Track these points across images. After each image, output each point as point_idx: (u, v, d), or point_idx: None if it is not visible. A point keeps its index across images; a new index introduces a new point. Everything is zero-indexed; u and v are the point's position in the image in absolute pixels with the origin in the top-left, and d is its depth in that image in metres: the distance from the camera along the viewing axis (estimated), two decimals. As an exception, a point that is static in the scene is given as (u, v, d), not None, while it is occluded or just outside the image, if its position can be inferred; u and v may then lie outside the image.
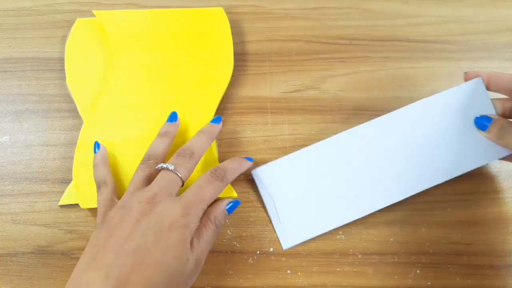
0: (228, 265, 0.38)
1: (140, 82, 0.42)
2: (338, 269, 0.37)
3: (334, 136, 0.38)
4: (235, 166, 0.37)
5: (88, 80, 0.42)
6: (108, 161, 0.38)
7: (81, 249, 0.37)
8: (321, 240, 0.38)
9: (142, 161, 0.36)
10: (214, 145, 0.40)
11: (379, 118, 0.38)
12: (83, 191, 0.38)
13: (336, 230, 0.38)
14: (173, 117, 0.39)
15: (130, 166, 0.39)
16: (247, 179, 0.40)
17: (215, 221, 0.34)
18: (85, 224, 0.38)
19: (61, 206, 0.38)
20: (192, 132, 0.40)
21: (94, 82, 0.42)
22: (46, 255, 0.37)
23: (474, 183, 0.39)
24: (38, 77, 0.43)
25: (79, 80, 0.42)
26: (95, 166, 0.37)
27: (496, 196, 0.41)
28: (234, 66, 0.43)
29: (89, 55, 0.43)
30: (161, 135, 0.38)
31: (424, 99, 0.39)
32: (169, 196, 0.32)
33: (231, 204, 0.36)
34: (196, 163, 0.36)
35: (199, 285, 0.37)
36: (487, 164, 0.42)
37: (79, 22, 0.44)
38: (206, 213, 0.34)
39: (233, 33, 0.44)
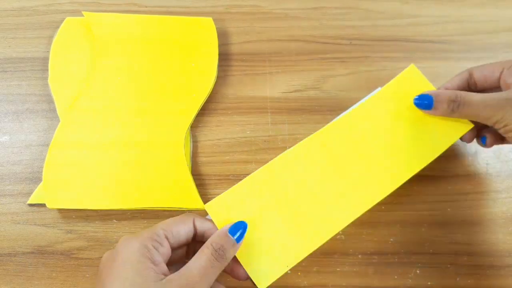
0: (228, 265, 0.37)
1: (121, 86, 0.42)
2: (338, 269, 0.37)
3: (281, 155, 0.35)
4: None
5: (69, 80, 0.42)
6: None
7: (81, 249, 0.37)
8: (321, 240, 0.38)
9: None
10: (187, 142, 0.40)
11: (321, 129, 0.36)
12: (51, 191, 0.37)
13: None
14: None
15: (102, 170, 0.38)
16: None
17: (214, 245, 0.29)
18: (85, 224, 0.38)
19: (30, 205, 0.38)
20: (167, 140, 0.40)
21: (76, 82, 0.42)
22: (46, 255, 0.37)
23: (474, 183, 0.39)
24: (38, 77, 0.43)
25: (61, 79, 0.42)
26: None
27: (496, 196, 0.41)
28: (235, 66, 0.43)
29: (74, 55, 0.43)
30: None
31: (363, 100, 0.38)
32: None
33: (233, 226, 0.31)
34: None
35: (199, 285, 0.37)
36: (486, 165, 0.42)
37: (68, 21, 0.44)
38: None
39: (233, 33, 0.44)
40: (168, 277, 0.27)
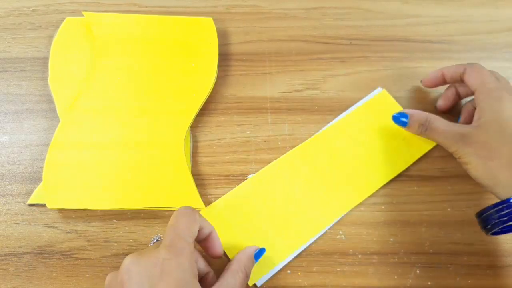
0: (228, 265, 0.37)
1: (121, 86, 0.42)
2: (338, 269, 0.37)
3: (268, 166, 0.40)
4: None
5: (69, 80, 0.42)
6: None
7: (81, 249, 0.37)
8: (321, 240, 0.38)
9: None
10: (187, 142, 0.40)
11: (302, 144, 0.41)
12: (51, 191, 0.37)
13: (336, 230, 0.38)
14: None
15: (102, 170, 0.38)
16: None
17: (246, 269, 0.32)
18: (85, 224, 0.38)
19: (30, 205, 0.38)
20: (167, 140, 0.40)
21: (76, 82, 0.42)
22: (46, 255, 0.37)
23: (474, 183, 0.39)
24: (38, 77, 0.43)
25: (61, 79, 0.42)
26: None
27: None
28: (235, 66, 0.43)
29: (74, 55, 0.43)
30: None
31: (339, 118, 0.42)
32: None
33: (257, 251, 0.35)
34: None
35: (199, 285, 0.37)
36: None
37: (68, 21, 0.44)
38: (234, 259, 0.33)
39: (233, 33, 0.45)
40: None
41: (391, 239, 0.39)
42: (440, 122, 0.37)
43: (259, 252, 0.35)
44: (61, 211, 0.38)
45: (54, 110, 0.41)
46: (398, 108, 0.43)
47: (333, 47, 0.47)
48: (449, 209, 0.40)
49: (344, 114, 0.43)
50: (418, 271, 0.38)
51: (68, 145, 0.39)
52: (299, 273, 0.37)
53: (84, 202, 0.37)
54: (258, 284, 0.36)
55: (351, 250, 0.38)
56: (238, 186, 0.39)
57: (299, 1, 0.49)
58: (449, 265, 0.38)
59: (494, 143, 0.34)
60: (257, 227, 0.37)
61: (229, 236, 0.37)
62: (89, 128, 0.40)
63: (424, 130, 0.38)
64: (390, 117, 0.40)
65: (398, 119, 0.39)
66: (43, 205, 0.38)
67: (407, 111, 0.39)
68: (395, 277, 0.37)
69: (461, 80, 0.40)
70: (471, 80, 0.38)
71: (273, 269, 0.36)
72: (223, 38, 0.46)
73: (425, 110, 0.39)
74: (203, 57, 0.44)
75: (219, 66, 0.44)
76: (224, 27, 0.47)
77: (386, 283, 0.37)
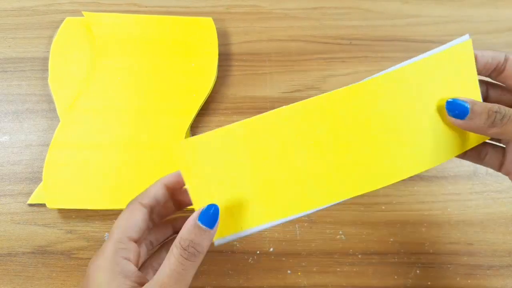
0: (228, 265, 0.38)
1: (121, 86, 0.42)
2: (338, 269, 0.37)
3: (274, 111, 0.29)
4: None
5: (69, 80, 0.42)
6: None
7: (81, 249, 0.37)
8: (321, 240, 0.38)
9: None
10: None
11: (332, 92, 0.30)
12: (51, 191, 0.37)
13: (336, 230, 0.38)
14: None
15: (102, 170, 0.38)
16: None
17: (182, 243, 0.25)
18: (85, 224, 0.38)
19: (30, 205, 0.38)
20: (168, 140, 0.40)
21: (76, 82, 0.42)
22: (46, 255, 0.37)
23: (474, 183, 0.39)
24: (38, 77, 0.43)
25: (61, 79, 0.42)
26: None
27: (496, 196, 0.40)
28: (235, 66, 0.43)
29: (74, 55, 0.43)
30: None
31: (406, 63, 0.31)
32: None
33: (202, 212, 0.26)
34: None
35: (199, 285, 0.37)
36: (487, 164, 0.41)
37: (68, 21, 0.44)
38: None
39: (233, 33, 0.44)
40: None
41: (391, 239, 0.39)
42: None
43: (205, 212, 0.26)
44: (61, 211, 0.38)
45: (54, 110, 0.41)
46: (473, 78, 0.30)
47: (333, 47, 0.47)
48: (449, 209, 0.40)
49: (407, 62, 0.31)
50: (418, 271, 0.38)
51: (68, 145, 0.39)
52: (299, 273, 0.37)
53: (84, 202, 0.37)
54: (216, 244, 0.28)
55: (351, 250, 0.38)
56: (228, 126, 0.29)
57: (299, 1, 0.49)
58: (449, 265, 0.38)
59: None
60: (237, 181, 0.29)
61: (201, 184, 0.28)
62: (89, 128, 0.40)
63: (500, 118, 0.27)
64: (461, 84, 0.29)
65: (456, 104, 0.28)
66: (43, 205, 0.38)
67: (466, 99, 0.29)
68: (395, 277, 0.37)
69: (496, 74, 0.30)
70: None
71: (238, 234, 0.28)
72: (223, 38, 0.46)
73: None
74: (203, 57, 0.43)
75: (219, 66, 0.44)
76: (224, 27, 0.47)
77: (386, 283, 0.37)
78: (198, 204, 0.27)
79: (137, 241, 0.28)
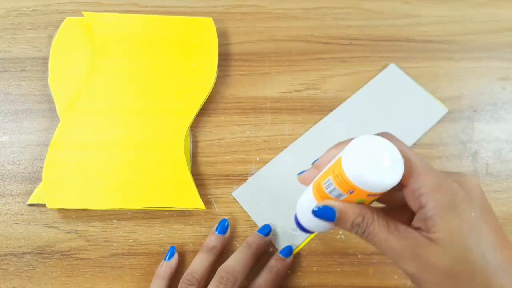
0: (228, 265, 0.37)
1: (121, 86, 0.42)
2: (338, 269, 0.37)
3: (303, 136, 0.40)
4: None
5: (69, 80, 0.42)
6: (172, 275, 0.35)
7: (81, 249, 0.37)
8: (321, 240, 0.38)
9: (183, 280, 0.33)
10: (187, 142, 0.40)
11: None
12: (51, 191, 0.37)
13: (336, 230, 0.38)
14: (222, 227, 0.37)
15: (102, 170, 0.38)
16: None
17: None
18: (85, 224, 0.38)
19: (30, 205, 0.38)
20: (168, 140, 0.40)
21: (76, 82, 0.42)
22: (46, 255, 0.37)
23: (474, 183, 0.39)
24: (38, 77, 0.43)
25: (61, 79, 0.42)
26: (157, 277, 0.34)
27: (496, 196, 0.40)
28: (235, 66, 0.43)
29: (74, 55, 0.43)
30: (208, 249, 0.35)
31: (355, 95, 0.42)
32: None
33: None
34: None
35: (199, 285, 0.37)
36: (486, 165, 0.42)
37: (68, 21, 0.44)
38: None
39: (232, 33, 0.44)
40: None
41: (391, 239, 0.38)
42: (381, 225, 0.25)
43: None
44: (61, 211, 0.38)
45: (54, 110, 0.41)
46: (410, 83, 0.36)
47: (333, 47, 0.47)
48: (449, 209, 0.40)
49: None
50: (418, 271, 0.37)
51: (68, 145, 0.39)
52: (299, 273, 0.37)
53: (84, 202, 0.37)
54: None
55: (351, 250, 0.38)
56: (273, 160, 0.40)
57: (299, 1, 0.49)
58: (449, 265, 0.38)
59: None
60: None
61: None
62: (89, 128, 0.40)
63: (360, 233, 0.25)
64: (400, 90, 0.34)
65: (322, 212, 0.25)
66: (43, 205, 0.38)
67: (334, 203, 0.25)
68: (395, 277, 0.37)
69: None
70: None
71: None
72: (223, 38, 0.46)
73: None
74: (203, 57, 0.44)
75: (219, 66, 0.44)
76: (224, 27, 0.47)
77: (386, 283, 0.37)
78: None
79: None
